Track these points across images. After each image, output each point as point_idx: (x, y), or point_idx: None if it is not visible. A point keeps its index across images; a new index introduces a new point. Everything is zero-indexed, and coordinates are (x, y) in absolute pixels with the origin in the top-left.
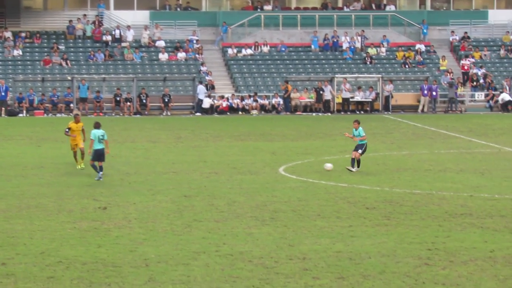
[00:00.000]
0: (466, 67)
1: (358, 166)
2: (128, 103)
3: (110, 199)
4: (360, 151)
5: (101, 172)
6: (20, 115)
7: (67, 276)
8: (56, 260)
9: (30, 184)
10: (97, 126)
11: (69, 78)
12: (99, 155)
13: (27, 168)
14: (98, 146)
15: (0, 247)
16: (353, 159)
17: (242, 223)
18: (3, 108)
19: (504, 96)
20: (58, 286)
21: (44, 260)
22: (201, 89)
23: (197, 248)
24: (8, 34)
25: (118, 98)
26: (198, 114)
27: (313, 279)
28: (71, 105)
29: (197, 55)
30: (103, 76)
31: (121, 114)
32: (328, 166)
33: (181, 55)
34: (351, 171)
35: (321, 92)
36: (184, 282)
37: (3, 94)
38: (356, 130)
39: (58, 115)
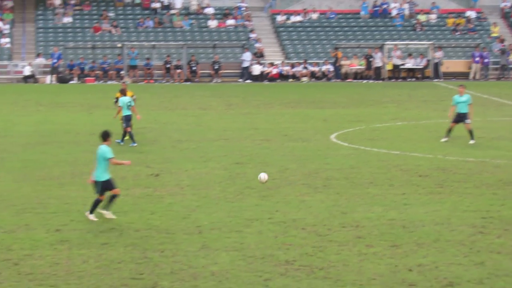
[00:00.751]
0: None
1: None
2: (179, 70)
3: (162, 166)
4: (469, 120)
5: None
6: (72, 82)
7: (121, 242)
8: (110, 227)
9: (83, 151)
10: (123, 92)
11: (119, 45)
12: (128, 121)
13: (79, 135)
14: (127, 113)
15: (54, 214)
16: (470, 131)
17: (295, 191)
18: (54, 75)
19: None
20: (112, 252)
21: (98, 226)
22: (246, 56)
23: (250, 215)
24: (58, 1)
25: (168, 65)
26: (240, 80)
27: (366, 247)
28: (122, 72)
29: (246, 22)
30: (153, 43)
31: (171, 81)
32: (262, 176)
33: (230, 22)
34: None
35: (370, 59)
36: (238, 249)
37: (55, 60)
38: (461, 95)
39: (109, 82)
